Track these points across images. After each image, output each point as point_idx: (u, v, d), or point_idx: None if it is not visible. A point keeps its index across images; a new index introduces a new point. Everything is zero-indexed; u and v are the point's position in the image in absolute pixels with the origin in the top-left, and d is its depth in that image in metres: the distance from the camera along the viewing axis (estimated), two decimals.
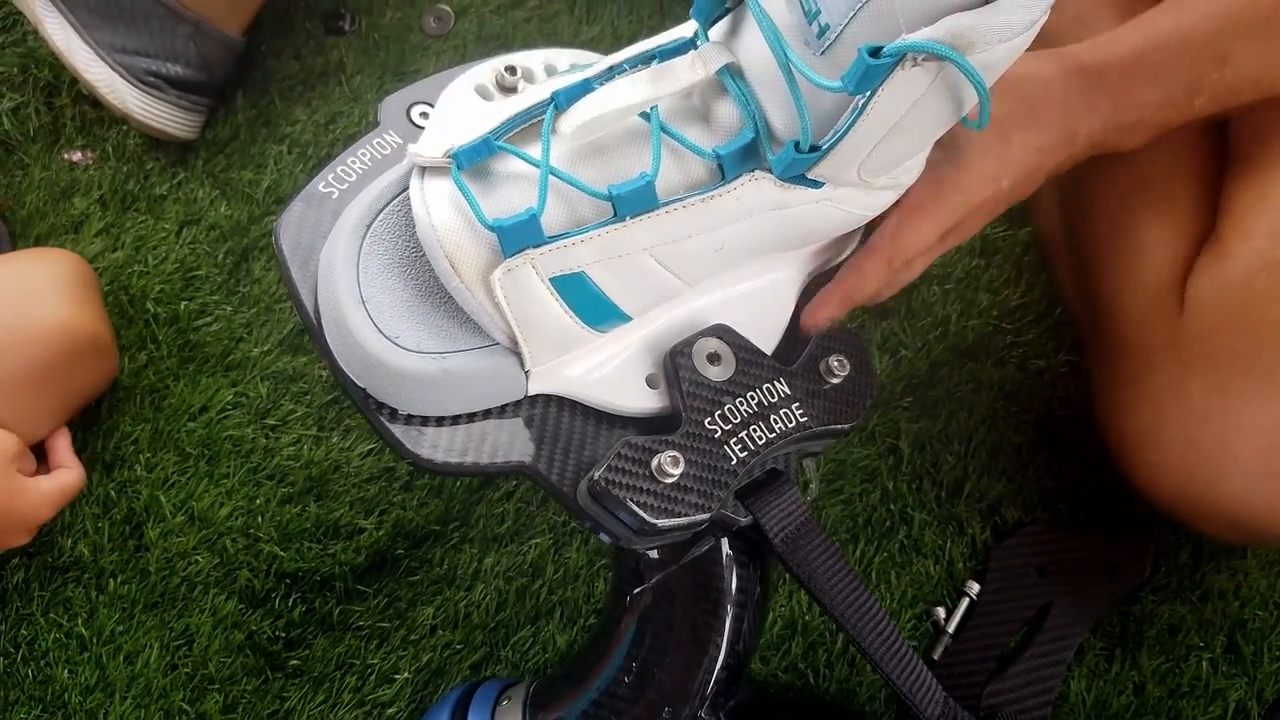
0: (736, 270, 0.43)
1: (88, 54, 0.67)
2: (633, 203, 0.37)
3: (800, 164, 0.37)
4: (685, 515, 0.40)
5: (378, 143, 0.44)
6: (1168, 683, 0.59)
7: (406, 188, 0.40)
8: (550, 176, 0.37)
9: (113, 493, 0.64)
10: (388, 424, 0.40)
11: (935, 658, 0.58)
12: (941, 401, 0.63)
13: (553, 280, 0.38)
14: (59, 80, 0.72)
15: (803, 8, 0.34)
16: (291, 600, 0.61)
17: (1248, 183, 0.51)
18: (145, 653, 0.61)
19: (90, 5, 0.66)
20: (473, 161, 0.38)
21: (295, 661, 0.60)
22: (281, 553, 0.62)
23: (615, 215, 0.38)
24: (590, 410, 0.42)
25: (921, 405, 0.63)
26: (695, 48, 0.39)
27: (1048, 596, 0.58)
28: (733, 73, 0.38)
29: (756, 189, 0.39)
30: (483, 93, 0.44)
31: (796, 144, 0.37)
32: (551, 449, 0.41)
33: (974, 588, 0.59)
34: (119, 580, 0.62)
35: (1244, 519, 0.47)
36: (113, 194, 0.70)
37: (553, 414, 0.42)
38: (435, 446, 0.40)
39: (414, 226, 0.39)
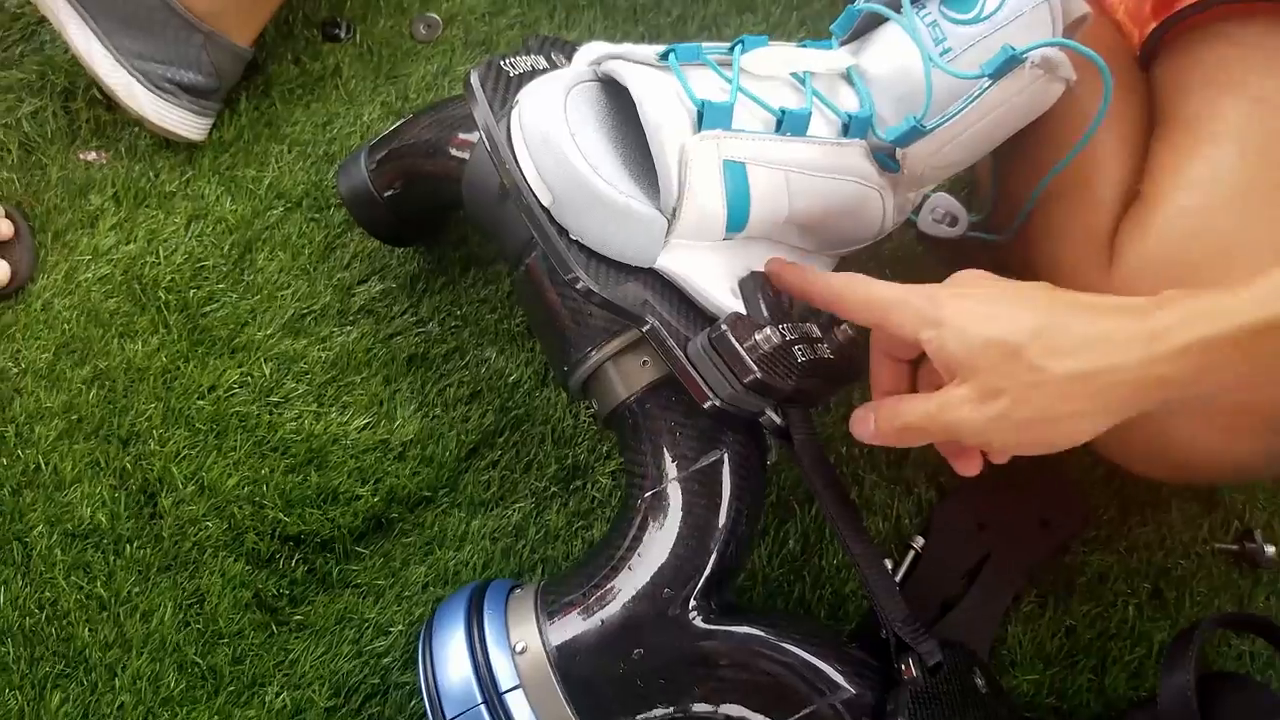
0: (790, 233, 0.55)
1: (108, 60, 0.72)
2: (793, 124, 0.50)
3: (910, 136, 0.52)
4: (773, 380, 0.48)
5: (532, 59, 0.54)
6: (1097, 626, 0.64)
7: (591, 78, 0.51)
8: (738, 90, 0.50)
9: (129, 465, 0.68)
10: (560, 240, 0.48)
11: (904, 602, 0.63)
12: None
13: (725, 163, 0.48)
14: (74, 85, 0.78)
15: (932, 36, 0.52)
16: (294, 561, 0.66)
17: (1168, 143, 0.55)
18: (160, 611, 0.65)
19: (112, 14, 0.71)
20: (683, 61, 0.50)
21: (298, 617, 0.65)
22: (285, 518, 0.66)
23: (779, 129, 0.50)
24: (686, 299, 0.50)
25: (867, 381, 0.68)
26: (832, 48, 0.55)
27: (986, 548, 0.63)
28: (856, 71, 0.54)
29: (857, 153, 0.53)
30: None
31: (916, 119, 0.51)
32: (661, 315, 0.49)
33: (919, 541, 0.64)
34: (135, 545, 0.67)
35: (1179, 458, 0.52)
36: (126, 191, 0.75)
37: (665, 289, 0.50)
38: (587, 272, 0.48)
39: (604, 103, 0.50)
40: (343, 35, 0.78)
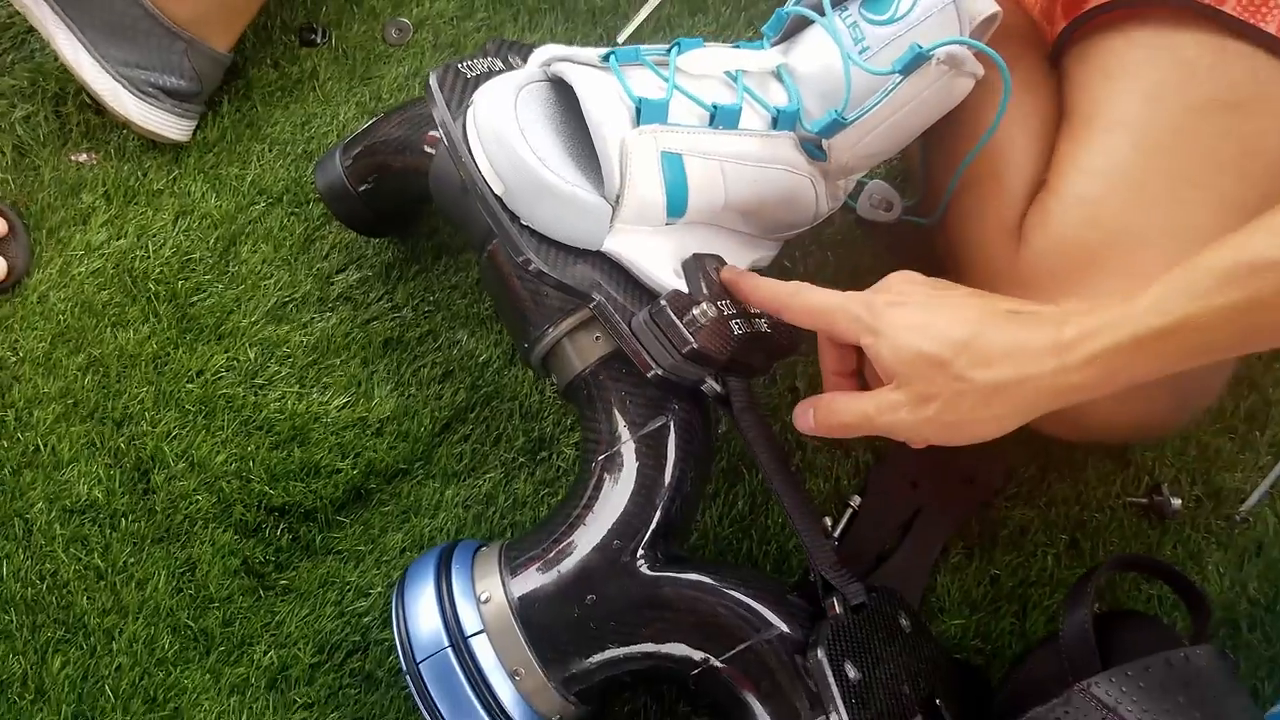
0: (733, 219, 0.60)
1: (95, 68, 0.77)
2: (725, 118, 0.55)
3: (832, 128, 0.57)
4: (710, 351, 0.53)
5: (488, 62, 0.60)
6: (1018, 574, 0.69)
7: (541, 78, 0.56)
8: (674, 87, 0.55)
9: (123, 445, 0.73)
10: (512, 225, 0.53)
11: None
12: None
13: (663, 154, 0.53)
14: (65, 90, 0.82)
15: (852, 36, 0.57)
16: (280, 530, 0.71)
17: (1070, 135, 0.60)
18: (154, 580, 0.70)
19: (97, 24, 0.76)
20: (623, 62, 0.55)
21: (284, 581, 0.70)
22: (270, 490, 0.71)
23: (712, 123, 0.55)
24: (633, 279, 0.56)
25: (816, 351, 0.73)
26: (763, 49, 0.60)
27: (917, 505, 0.68)
28: (785, 69, 0.59)
29: (787, 144, 0.58)
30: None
31: (836, 112, 0.57)
32: (606, 293, 0.54)
33: (856, 500, 0.69)
34: (130, 519, 0.71)
35: (1080, 421, 0.57)
36: (116, 189, 0.80)
37: (610, 270, 0.55)
38: (537, 254, 0.53)
39: (553, 101, 0.55)
40: (319, 40, 0.83)
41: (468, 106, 0.55)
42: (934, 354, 0.47)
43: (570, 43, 0.81)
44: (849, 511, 0.69)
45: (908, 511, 0.69)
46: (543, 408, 0.73)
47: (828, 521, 0.69)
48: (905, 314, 0.49)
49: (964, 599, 0.68)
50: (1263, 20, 0.54)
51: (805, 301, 0.53)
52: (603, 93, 0.54)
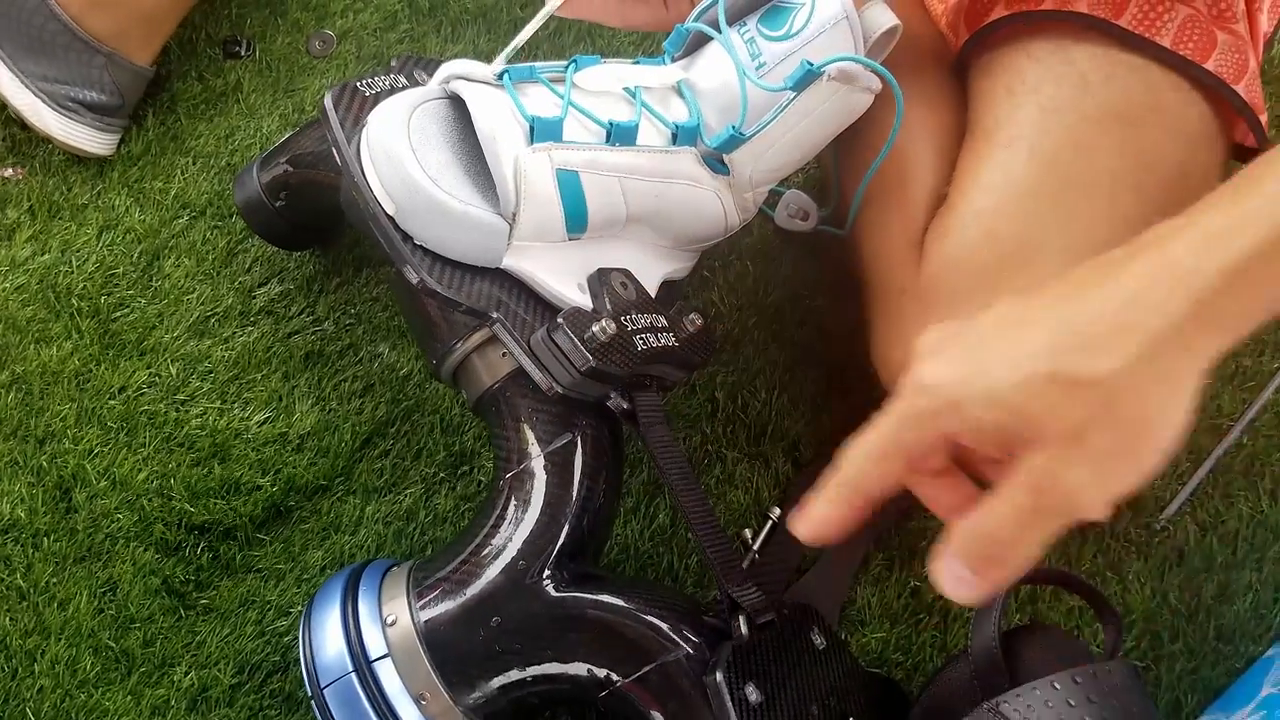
0: (643, 232, 0.59)
1: (14, 83, 0.76)
2: (621, 135, 0.55)
3: (731, 144, 0.57)
4: (610, 368, 0.53)
5: (390, 79, 0.60)
6: None
7: (439, 95, 0.55)
8: (569, 105, 0.54)
9: (44, 463, 0.72)
10: (404, 245, 0.53)
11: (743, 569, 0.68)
12: (752, 358, 0.73)
13: (558, 172, 0.53)
14: None
15: (749, 52, 0.57)
16: (200, 549, 0.70)
17: (970, 149, 0.60)
18: (76, 600, 0.69)
19: (15, 39, 0.75)
20: (517, 80, 0.55)
21: (205, 601, 0.70)
22: (191, 508, 0.70)
23: (608, 140, 0.55)
24: (536, 295, 0.56)
25: (735, 361, 0.73)
26: (665, 64, 0.60)
27: None
28: (686, 85, 0.59)
29: (688, 159, 0.57)
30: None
31: (734, 127, 0.56)
32: (508, 310, 0.54)
33: (776, 512, 0.69)
34: (52, 539, 0.70)
35: None
36: (40, 204, 0.79)
37: (513, 287, 0.55)
38: (433, 275, 0.53)
39: (451, 118, 0.54)
40: (243, 52, 0.83)
41: (363, 125, 0.54)
42: (1033, 374, 0.34)
43: (492, 56, 0.80)
44: (769, 524, 0.69)
45: None
46: (464, 422, 0.73)
47: (748, 533, 0.69)
48: (965, 358, 0.36)
49: (884, 611, 0.68)
50: (1157, 34, 0.54)
51: (864, 452, 0.39)
52: (495, 111, 0.53)
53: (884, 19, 0.59)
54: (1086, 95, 0.56)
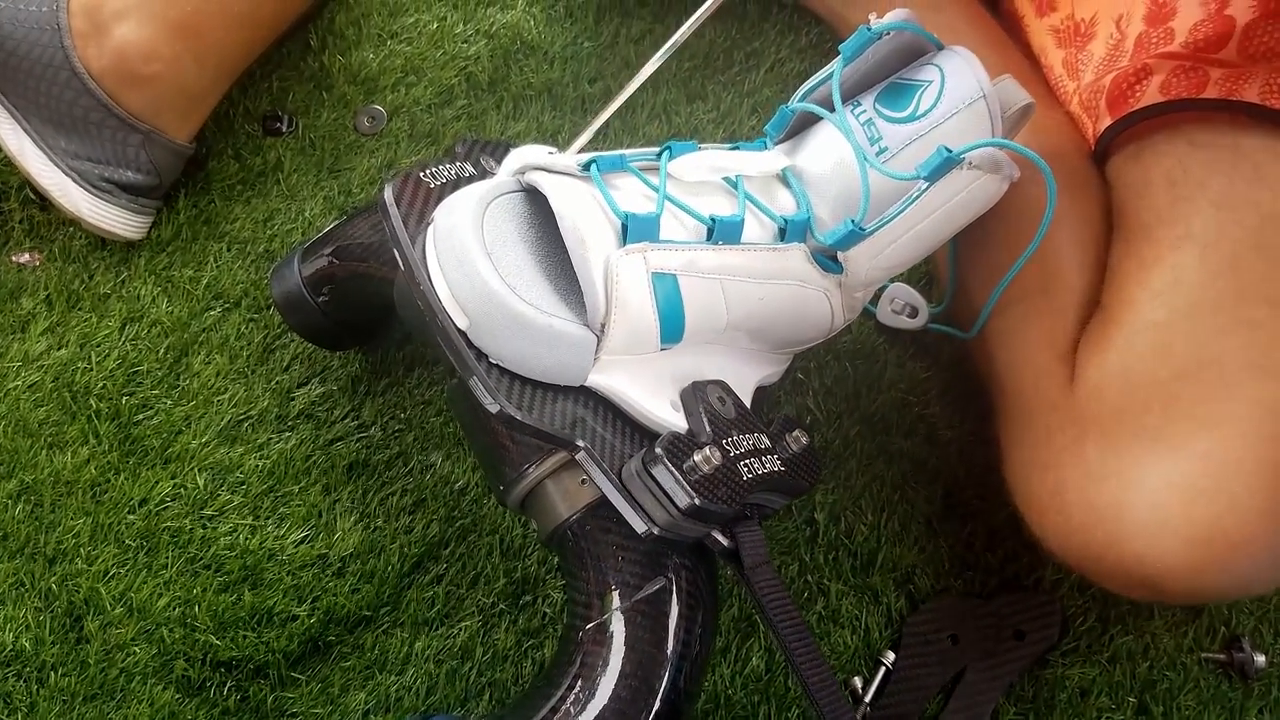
0: (739, 337, 0.52)
1: (41, 159, 0.70)
2: (725, 232, 0.48)
3: (849, 240, 0.50)
4: (714, 505, 0.45)
5: (456, 167, 0.53)
6: None
7: (514, 188, 0.48)
8: (665, 199, 0.47)
9: (54, 586, 0.65)
10: (478, 365, 0.45)
11: None
12: (854, 473, 0.65)
13: (653, 275, 0.46)
14: (7, 185, 0.75)
15: (867, 135, 0.50)
16: (227, 689, 0.62)
17: (1128, 249, 0.53)
18: None
19: (44, 115, 0.69)
20: (606, 170, 0.48)
21: None
22: (217, 641, 0.63)
23: (709, 237, 0.48)
24: (623, 414, 0.48)
25: (836, 478, 0.65)
26: (767, 149, 0.53)
27: (961, 663, 0.59)
28: (792, 172, 0.52)
29: (797, 256, 0.50)
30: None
31: (853, 222, 0.49)
32: (594, 435, 0.46)
33: (890, 657, 0.60)
34: (59, 673, 0.63)
35: (1143, 576, 0.48)
36: (59, 293, 0.72)
37: (599, 406, 0.47)
38: (512, 399, 0.45)
39: (527, 215, 0.47)
40: (284, 129, 0.76)
41: (428, 223, 0.47)
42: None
43: (558, 135, 0.74)
44: (882, 670, 0.60)
45: (950, 671, 0.59)
46: (526, 544, 0.65)
47: (858, 682, 0.60)
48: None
49: None
50: None
51: None
52: (583, 207, 0.46)
53: (1018, 95, 0.52)
54: (1263, 190, 0.49)
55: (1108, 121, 0.55)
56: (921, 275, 0.69)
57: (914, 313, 0.63)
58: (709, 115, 0.74)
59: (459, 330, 0.45)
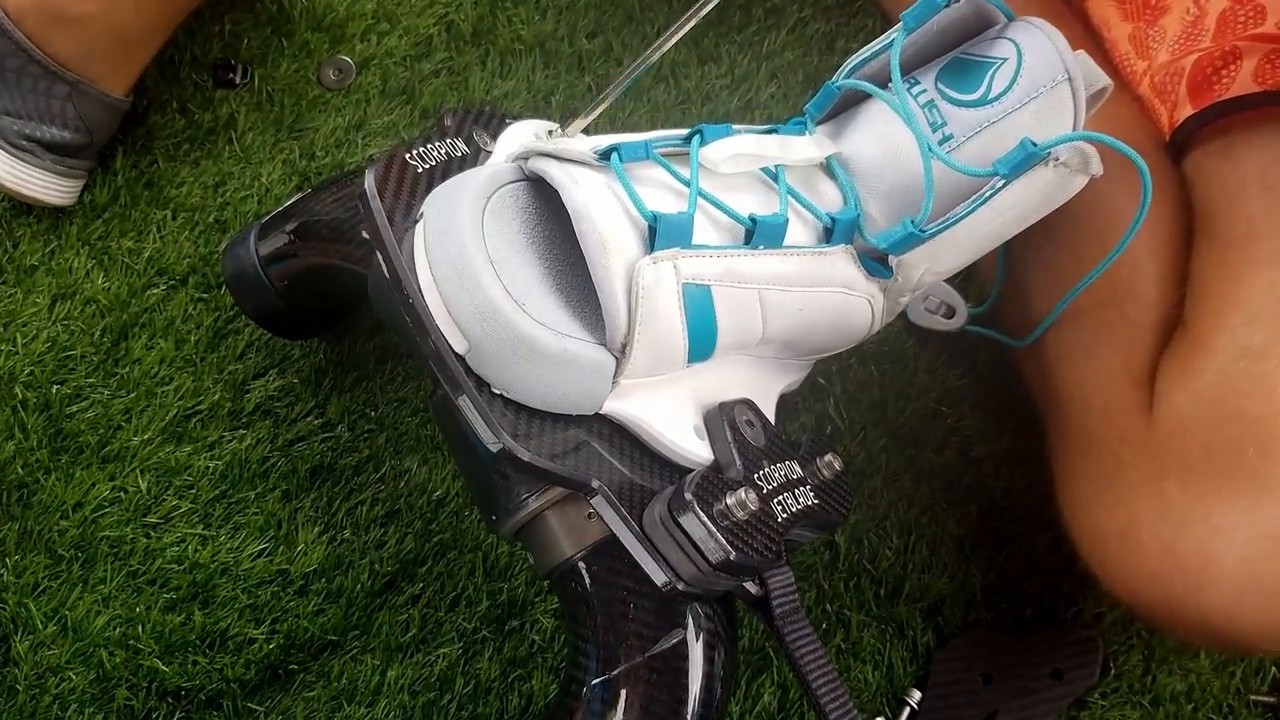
0: (767, 348, 0.46)
1: None
2: (766, 235, 0.41)
3: (907, 242, 0.43)
4: (749, 559, 0.39)
5: (447, 145, 0.45)
6: None
7: (516, 177, 0.41)
8: (699, 195, 0.40)
9: None
10: (479, 395, 0.38)
11: None
12: (879, 491, 0.59)
13: (685, 287, 0.39)
14: None
15: (927, 120, 0.43)
16: None
17: (1217, 262, 0.46)
18: None
19: None
20: (629, 160, 0.40)
21: None
22: (164, 667, 0.57)
23: (748, 242, 0.41)
24: (643, 445, 0.42)
25: (859, 496, 0.59)
26: (808, 132, 0.45)
27: (993, 704, 0.54)
28: (838, 161, 0.45)
29: (843, 260, 0.44)
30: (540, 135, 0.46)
31: (913, 222, 0.42)
32: (609, 471, 0.40)
33: (915, 695, 0.55)
34: None
35: (1229, 631, 0.43)
36: None
37: (615, 434, 0.41)
38: (517, 435, 0.38)
39: (531, 208, 0.40)
40: (238, 80, 0.67)
41: (417, 220, 0.39)
42: None
43: (550, 94, 0.66)
44: (906, 710, 0.55)
45: (981, 713, 0.55)
46: (513, 562, 0.58)
47: None
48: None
49: None
50: None
51: None
52: (604, 207, 0.38)
53: (1095, 75, 0.45)
54: None
55: (1189, 111, 0.49)
56: (960, 272, 0.62)
57: (950, 312, 0.57)
58: (723, 80, 0.66)
59: (457, 356, 0.38)
